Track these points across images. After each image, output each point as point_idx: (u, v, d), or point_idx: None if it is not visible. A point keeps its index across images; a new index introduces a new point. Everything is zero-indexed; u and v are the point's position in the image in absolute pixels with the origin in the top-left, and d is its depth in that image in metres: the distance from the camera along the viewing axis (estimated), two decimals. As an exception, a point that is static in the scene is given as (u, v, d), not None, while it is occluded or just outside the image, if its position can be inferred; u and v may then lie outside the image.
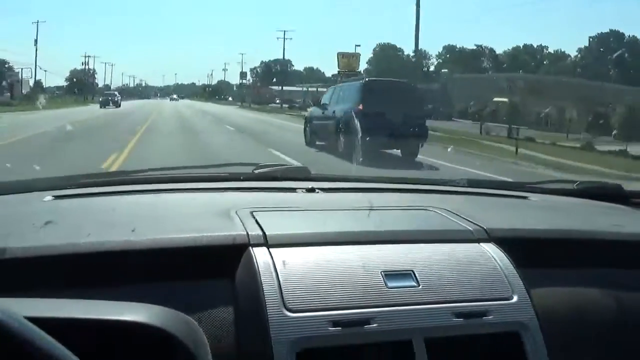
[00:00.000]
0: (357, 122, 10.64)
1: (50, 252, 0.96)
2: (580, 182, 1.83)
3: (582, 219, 1.48)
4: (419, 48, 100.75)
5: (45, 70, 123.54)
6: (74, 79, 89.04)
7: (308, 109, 17.50)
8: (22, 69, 61.96)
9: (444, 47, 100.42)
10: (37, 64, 70.48)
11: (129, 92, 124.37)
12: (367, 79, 14.74)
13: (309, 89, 59.38)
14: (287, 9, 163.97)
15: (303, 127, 16.04)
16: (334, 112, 13.44)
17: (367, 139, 9.83)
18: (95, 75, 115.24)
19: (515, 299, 1.03)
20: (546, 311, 1.05)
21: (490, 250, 1.11)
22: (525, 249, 1.14)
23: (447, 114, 44.05)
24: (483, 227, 1.17)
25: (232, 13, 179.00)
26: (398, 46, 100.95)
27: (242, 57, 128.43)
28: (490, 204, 1.61)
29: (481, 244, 1.12)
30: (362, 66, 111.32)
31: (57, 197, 1.38)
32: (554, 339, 1.02)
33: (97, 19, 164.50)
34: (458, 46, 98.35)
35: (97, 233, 1.03)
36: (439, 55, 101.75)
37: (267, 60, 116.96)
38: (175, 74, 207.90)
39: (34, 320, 0.63)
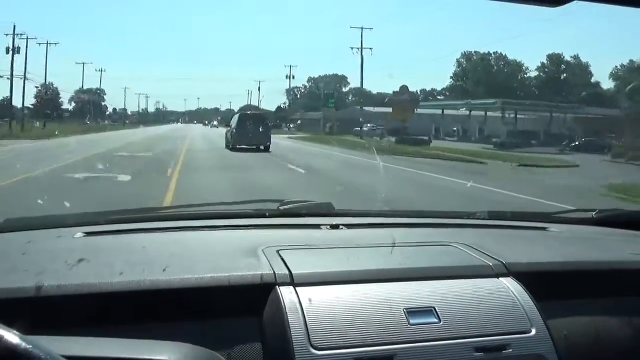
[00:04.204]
0: (233, 133, 24.67)
1: (84, 290, 0.99)
2: (598, 210, 1.81)
3: (600, 249, 1.49)
4: (513, 59, 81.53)
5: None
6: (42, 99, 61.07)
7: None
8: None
9: (548, 56, 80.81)
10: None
11: (145, 117, 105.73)
12: (241, 112, 29.21)
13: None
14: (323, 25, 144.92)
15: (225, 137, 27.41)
16: (230, 128, 26.64)
17: (240, 141, 23.69)
18: (104, 97, 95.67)
19: (533, 331, 1.05)
20: (565, 342, 1.08)
21: (510, 284, 1.14)
22: (543, 282, 1.17)
23: None
24: (502, 262, 1.19)
25: (258, 33, 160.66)
26: (483, 51, 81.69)
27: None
28: (509, 237, 1.62)
29: (500, 278, 1.15)
30: (447, 82, 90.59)
31: (87, 234, 1.41)
32: None
33: (115, 40, 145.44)
34: (566, 56, 78.60)
35: (129, 272, 1.06)
36: (540, 68, 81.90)
37: (315, 76, 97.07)
38: (198, 98, 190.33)
39: (72, 359, 0.67)
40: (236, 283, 1.05)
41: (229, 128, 27.37)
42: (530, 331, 1.05)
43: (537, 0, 0.90)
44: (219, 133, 39.61)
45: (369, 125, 49.03)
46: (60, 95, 73.09)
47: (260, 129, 24.24)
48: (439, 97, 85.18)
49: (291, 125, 70.94)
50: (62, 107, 74.18)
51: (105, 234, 1.44)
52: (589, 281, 1.23)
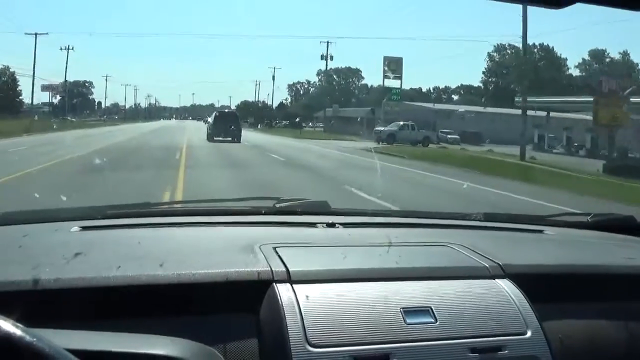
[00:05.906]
0: (211, 128, 30.98)
1: (81, 284, 1.00)
2: (594, 214, 1.82)
3: (596, 253, 1.49)
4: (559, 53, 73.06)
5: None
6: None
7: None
8: None
9: (590, 52, 73.08)
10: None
11: (136, 113, 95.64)
12: (217, 111, 35.10)
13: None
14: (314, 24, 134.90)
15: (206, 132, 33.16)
16: (209, 124, 33.20)
17: (216, 135, 29.43)
18: (92, 90, 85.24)
19: (529, 333, 1.06)
20: (560, 345, 1.08)
21: (505, 286, 1.14)
22: (539, 284, 1.17)
23: None
24: (498, 263, 1.20)
25: (259, 28, 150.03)
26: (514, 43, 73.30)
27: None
28: (505, 239, 1.63)
29: (496, 280, 1.16)
30: (478, 78, 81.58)
31: (84, 228, 1.41)
32: None
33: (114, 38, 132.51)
34: (609, 52, 70.96)
35: (126, 267, 1.06)
36: (581, 65, 74.09)
37: (339, 67, 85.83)
38: (193, 94, 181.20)
39: (70, 352, 0.68)
40: (233, 279, 1.06)
41: (209, 124, 33.81)
42: (526, 333, 1.06)
43: (538, 2, 0.90)
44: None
45: (401, 122, 37.92)
46: (19, 84, 60.02)
47: (232, 126, 30.00)
48: (453, 97, 76.37)
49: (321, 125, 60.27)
50: (21, 98, 59.94)
51: (101, 228, 1.45)
52: (584, 285, 1.23)
